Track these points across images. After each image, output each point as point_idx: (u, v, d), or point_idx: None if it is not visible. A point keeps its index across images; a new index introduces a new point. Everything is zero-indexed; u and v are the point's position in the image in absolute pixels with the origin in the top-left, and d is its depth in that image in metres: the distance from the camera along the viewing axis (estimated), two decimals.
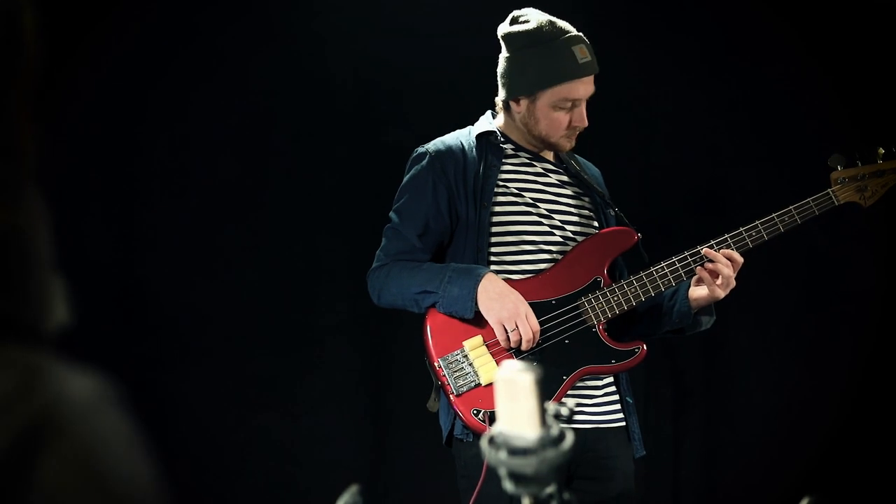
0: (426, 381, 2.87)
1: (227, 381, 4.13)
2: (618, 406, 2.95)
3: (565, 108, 2.86)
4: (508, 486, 1.21)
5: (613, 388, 2.96)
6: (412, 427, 4.19)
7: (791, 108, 4.24)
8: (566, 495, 1.26)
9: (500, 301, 2.76)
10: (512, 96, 2.92)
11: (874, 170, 2.93)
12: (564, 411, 1.23)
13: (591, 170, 3.12)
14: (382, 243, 2.94)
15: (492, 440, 1.19)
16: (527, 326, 2.76)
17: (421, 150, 2.97)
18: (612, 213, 3.03)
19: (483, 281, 2.77)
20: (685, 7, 4.30)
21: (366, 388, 4.27)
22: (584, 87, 2.86)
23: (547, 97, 2.86)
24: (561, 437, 1.19)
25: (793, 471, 4.13)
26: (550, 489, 1.22)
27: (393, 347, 4.26)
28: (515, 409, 1.17)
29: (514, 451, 1.18)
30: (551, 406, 1.22)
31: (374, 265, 2.93)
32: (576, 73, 2.84)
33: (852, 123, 4.11)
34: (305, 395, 4.21)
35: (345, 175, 4.27)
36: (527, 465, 1.17)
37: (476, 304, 2.77)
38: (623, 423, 2.95)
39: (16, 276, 0.83)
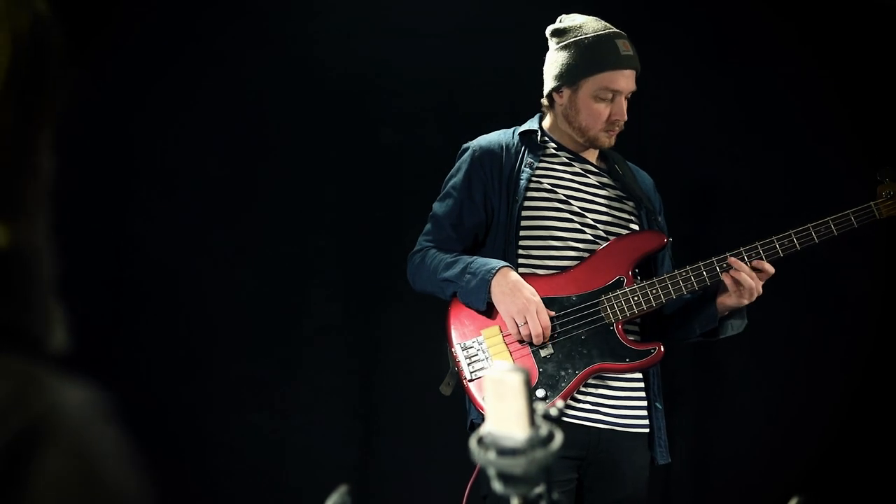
0: (417, 381, 2.88)
1: (217, 381, 4.13)
2: (643, 412, 2.96)
3: (606, 99, 2.94)
4: (497, 486, 1.21)
5: (642, 394, 2.97)
6: (402, 427, 4.19)
7: (789, 107, 4.24)
8: (555, 495, 1.26)
9: (512, 295, 2.81)
10: (556, 87, 3.00)
11: None
12: (553, 411, 1.23)
13: (643, 177, 3.16)
14: (425, 228, 3.05)
15: (481, 440, 1.20)
16: (536, 321, 2.80)
17: (465, 145, 3.07)
18: (657, 221, 3.06)
19: (497, 275, 2.82)
20: (682, 6, 4.30)
21: (356, 388, 4.27)
22: (625, 80, 2.95)
23: (588, 86, 2.94)
24: (550, 437, 1.19)
25: (784, 470, 4.13)
26: (539, 489, 1.22)
27: (383, 348, 4.26)
28: (504, 409, 1.17)
29: (503, 452, 1.18)
30: (540, 406, 1.22)
31: (414, 249, 3.03)
32: (618, 63, 2.93)
33: (851, 123, 4.11)
34: (296, 394, 4.21)
35: (340, 176, 4.27)
36: (516, 465, 1.17)
37: (489, 296, 2.83)
38: (646, 430, 2.96)
39: (20, 289, 0.85)
